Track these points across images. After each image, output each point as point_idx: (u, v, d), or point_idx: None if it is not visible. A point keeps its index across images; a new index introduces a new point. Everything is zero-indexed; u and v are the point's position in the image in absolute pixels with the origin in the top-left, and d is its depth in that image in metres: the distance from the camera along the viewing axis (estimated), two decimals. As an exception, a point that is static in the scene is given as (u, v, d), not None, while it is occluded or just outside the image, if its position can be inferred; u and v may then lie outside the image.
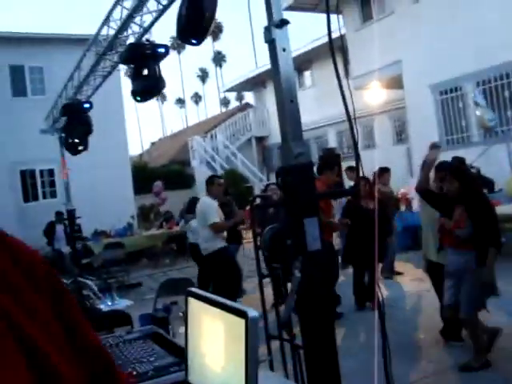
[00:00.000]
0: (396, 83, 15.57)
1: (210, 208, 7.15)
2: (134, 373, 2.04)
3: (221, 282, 7.13)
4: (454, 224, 4.83)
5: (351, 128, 2.74)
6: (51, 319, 0.66)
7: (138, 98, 5.98)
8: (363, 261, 6.68)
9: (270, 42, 2.84)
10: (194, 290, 1.69)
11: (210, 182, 7.58)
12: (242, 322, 1.29)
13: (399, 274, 8.98)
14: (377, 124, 19.60)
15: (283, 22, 2.79)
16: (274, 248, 3.01)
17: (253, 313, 1.28)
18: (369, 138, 20.28)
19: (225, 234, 7.35)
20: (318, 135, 22.69)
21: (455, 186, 4.84)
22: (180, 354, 2.10)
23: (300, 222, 2.68)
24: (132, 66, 5.68)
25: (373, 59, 13.67)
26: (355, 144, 2.71)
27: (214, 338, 1.50)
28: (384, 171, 9.40)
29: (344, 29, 16.58)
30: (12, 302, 0.62)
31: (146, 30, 5.48)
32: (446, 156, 9.69)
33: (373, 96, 16.95)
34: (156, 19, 5.32)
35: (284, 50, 2.84)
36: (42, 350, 0.61)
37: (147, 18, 5.40)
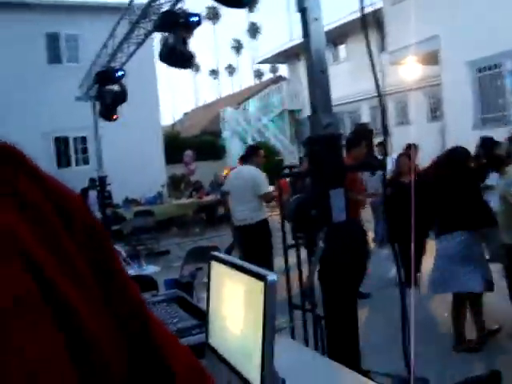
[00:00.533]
0: (432, 59, 15.26)
1: (262, 178, 7.18)
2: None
3: (262, 251, 7.18)
4: None
5: (381, 104, 2.71)
6: (89, 275, 0.58)
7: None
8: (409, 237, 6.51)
9: (302, 11, 2.81)
10: (216, 253, 1.72)
11: (255, 152, 7.58)
12: (261, 284, 1.31)
13: None
14: (411, 100, 19.30)
15: (316, -9, 2.76)
16: (298, 218, 3.02)
17: (272, 276, 1.30)
18: (403, 114, 20.00)
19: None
20: (351, 110, 22.46)
21: None
22: (202, 318, 2.13)
23: (326, 192, 2.69)
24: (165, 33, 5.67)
25: (409, 33, 13.42)
26: (384, 120, 2.69)
27: (235, 300, 1.53)
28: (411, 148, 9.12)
29: (381, 2, 16.28)
30: (47, 253, 0.53)
31: (180, -2, 5.48)
32: (481, 135, 9.55)
33: (408, 71, 16.67)
34: (190, -13, 5.32)
35: (316, 19, 2.81)
36: (79, 313, 0.54)
37: (181, -14, 5.40)
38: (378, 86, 2.59)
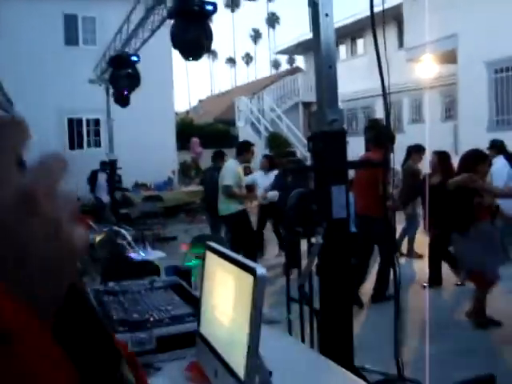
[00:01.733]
0: (450, 58, 15.12)
1: (231, 172, 7.42)
2: (151, 319, 2.12)
3: (240, 242, 7.34)
4: None
5: (386, 104, 2.71)
6: None
7: (190, 58, 5.98)
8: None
9: (313, 6, 2.81)
10: (212, 244, 1.75)
11: (247, 148, 7.83)
12: (251, 278, 1.33)
13: (420, 256, 8.40)
14: (426, 98, 19.18)
15: (328, -13, 2.76)
16: (298, 211, 3.04)
17: (261, 270, 1.32)
18: (417, 112, 19.88)
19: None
20: (365, 105, 22.34)
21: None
22: (197, 306, 2.16)
23: (328, 188, 2.70)
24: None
25: (428, 31, 13.30)
26: (388, 121, 2.69)
27: (225, 291, 1.55)
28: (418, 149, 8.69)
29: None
30: None
31: (197, -15, 5.45)
32: (494, 137, 9.48)
33: (425, 69, 16.55)
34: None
35: (327, 15, 2.81)
36: None
37: (198, -26, 5.38)
38: (383, 85, 2.59)
